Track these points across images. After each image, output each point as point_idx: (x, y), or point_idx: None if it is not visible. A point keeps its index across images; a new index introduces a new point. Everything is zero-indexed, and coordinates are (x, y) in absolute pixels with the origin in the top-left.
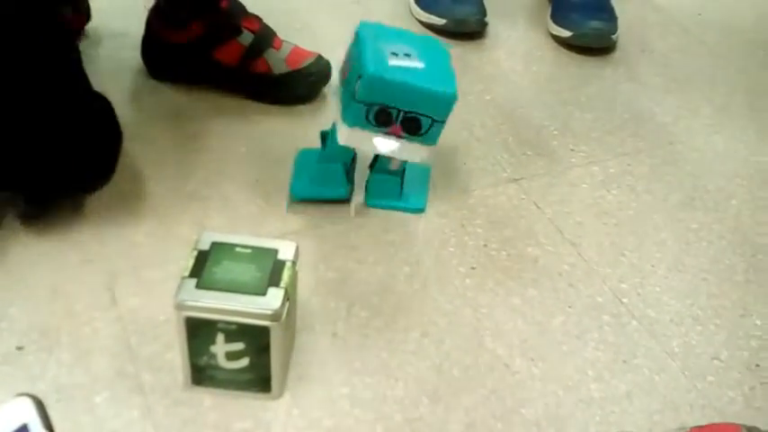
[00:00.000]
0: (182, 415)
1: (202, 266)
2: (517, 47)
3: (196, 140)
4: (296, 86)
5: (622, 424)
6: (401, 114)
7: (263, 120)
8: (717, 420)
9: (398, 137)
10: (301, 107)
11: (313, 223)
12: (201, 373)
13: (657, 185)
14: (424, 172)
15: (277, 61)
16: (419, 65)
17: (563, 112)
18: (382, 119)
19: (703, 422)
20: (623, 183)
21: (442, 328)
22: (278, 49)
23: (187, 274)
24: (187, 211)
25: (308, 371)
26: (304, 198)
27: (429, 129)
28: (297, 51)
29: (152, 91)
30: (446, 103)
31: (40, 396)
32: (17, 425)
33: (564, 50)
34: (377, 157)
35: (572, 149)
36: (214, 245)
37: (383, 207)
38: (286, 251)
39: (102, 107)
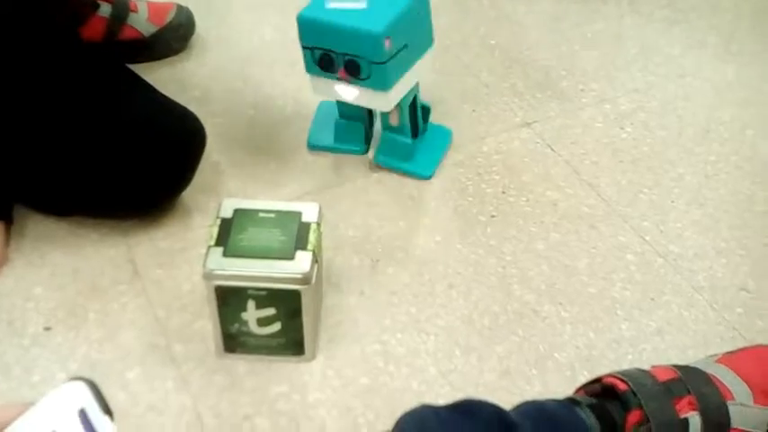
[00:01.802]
0: (218, 383)
1: (227, 234)
2: None
3: (199, 106)
4: (169, 41)
5: (655, 361)
6: (341, 58)
7: (267, 76)
8: None
9: (348, 82)
10: None
11: (330, 182)
12: (234, 341)
13: (671, 120)
14: (444, 139)
15: (142, 23)
16: (361, 5)
17: (570, 51)
18: (326, 63)
19: None
20: (636, 119)
21: (468, 278)
22: (136, 11)
23: (213, 243)
24: (199, 178)
25: (338, 331)
26: (320, 149)
27: (370, 71)
28: (153, 7)
29: None
30: (372, 41)
31: (72, 375)
32: (74, 410)
33: None
34: (382, 116)
35: (582, 89)
36: (237, 212)
37: (389, 167)
38: (310, 213)
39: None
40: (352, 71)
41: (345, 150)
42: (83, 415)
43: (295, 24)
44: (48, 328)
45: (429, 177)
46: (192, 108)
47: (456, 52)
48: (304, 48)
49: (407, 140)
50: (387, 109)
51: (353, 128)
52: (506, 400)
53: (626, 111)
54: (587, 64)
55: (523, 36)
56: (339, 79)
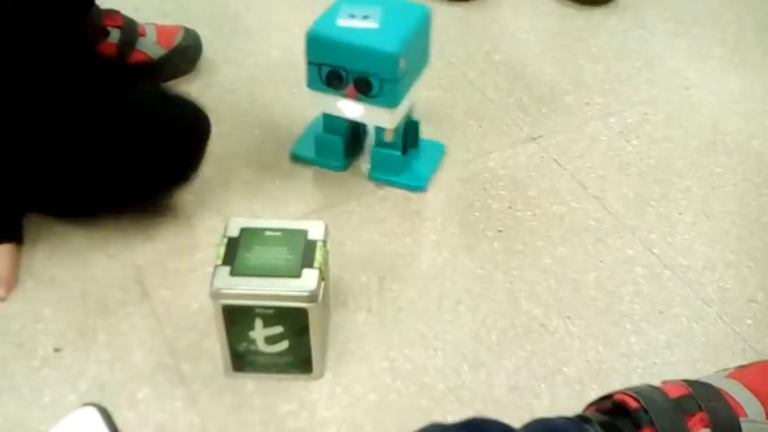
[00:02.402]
0: (226, 402)
1: (234, 253)
2: (521, 4)
3: None
4: (177, 64)
5: (665, 374)
6: (351, 75)
7: (274, 97)
8: None
9: (356, 99)
10: None
11: (336, 200)
12: (242, 359)
13: (676, 132)
14: (437, 152)
15: (150, 47)
16: (372, 25)
17: (574, 65)
18: (334, 80)
19: None
20: (642, 132)
21: (476, 293)
22: (145, 35)
23: (220, 262)
24: (206, 198)
25: (346, 348)
26: (301, 160)
27: (381, 89)
28: (161, 31)
29: None
30: (388, 61)
31: (83, 396)
32: None
33: (568, 3)
34: (376, 132)
35: (587, 103)
36: (243, 231)
37: (385, 181)
38: (316, 231)
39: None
40: (362, 88)
41: (325, 165)
42: None
43: (301, 45)
44: (57, 350)
45: (423, 189)
46: None
47: (461, 69)
48: (310, 63)
49: (397, 153)
50: (391, 126)
51: (334, 143)
52: (515, 415)
53: (631, 124)
54: (592, 78)
55: (528, 51)
56: (345, 96)
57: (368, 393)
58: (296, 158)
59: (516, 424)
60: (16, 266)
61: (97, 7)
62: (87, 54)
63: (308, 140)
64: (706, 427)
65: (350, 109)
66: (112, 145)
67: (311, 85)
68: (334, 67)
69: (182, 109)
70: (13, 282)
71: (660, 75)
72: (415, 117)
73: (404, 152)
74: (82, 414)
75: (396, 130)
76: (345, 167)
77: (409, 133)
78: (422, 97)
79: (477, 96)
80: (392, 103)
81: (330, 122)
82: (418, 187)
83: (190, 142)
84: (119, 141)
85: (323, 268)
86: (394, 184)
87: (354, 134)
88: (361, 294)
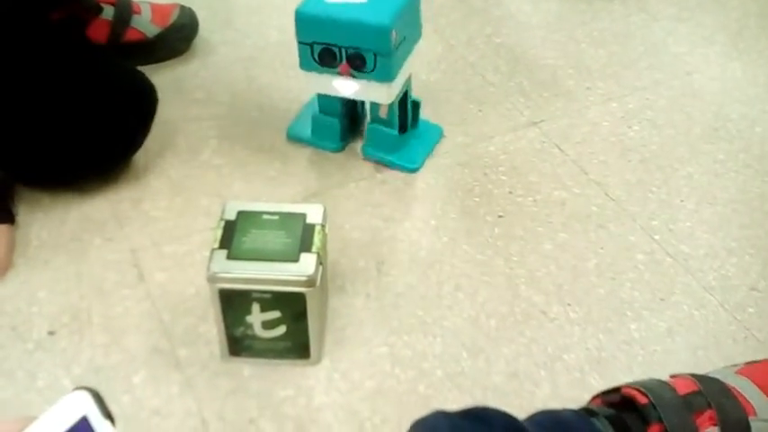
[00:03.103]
0: (223, 387)
1: (231, 237)
2: None
3: (202, 108)
4: (172, 43)
5: (666, 362)
6: (344, 51)
7: (272, 78)
8: (761, 351)
9: (350, 76)
10: None
11: (334, 183)
12: (239, 344)
13: (679, 118)
14: (435, 134)
15: (146, 25)
16: (361, 0)
17: (576, 49)
18: (327, 58)
19: (747, 354)
20: (644, 117)
21: (475, 279)
22: (139, 12)
23: (217, 245)
24: (203, 181)
25: (344, 334)
26: (297, 140)
27: (375, 63)
28: (156, 8)
29: None
30: (379, 34)
31: (77, 379)
32: (76, 418)
33: None
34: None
35: (589, 87)
36: (240, 214)
37: (377, 159)
38: (314, 214)
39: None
40: (357, 64)
41: (321, 146)
42: (84, 421)
43: None
44: (52, 333)
45: (416, 170)
46: (194, 109)
47: (461, 52)
48: (301, 43)
49: (393, 132)
50: (387, 101)
51: (330, 124)
52: (515, 403)
53: (633, 109)
54: (594, 62)
55: (529, 35)
56: (339, 74)
57: (366, 379)
58: (292, 139)
59: (516, 411)
60: (10, 248)
61: None
62: (65, 39)
63: (305, 121)
64: (715, 425)
65: (345, 87)
66: (64, 111)
67: (304, 65)
68: (326, 45)
69: (130, 78)
70: (7, 263)
71: (663, 60)
72: (417, 97)
73: (402, 131)
74: (74, 398)
75: (390, 108)
76: (342, 149)
77: (410, 113)
78: (421, 80)
79: (477, 80)
80: (387, 77)
81: (325, 103)
82: (410, 168)
83: (138, 110)
84: (69, 108)
85: (321, 252)
86: (387, 163)
87: (351, 115)
88: (360, 279)
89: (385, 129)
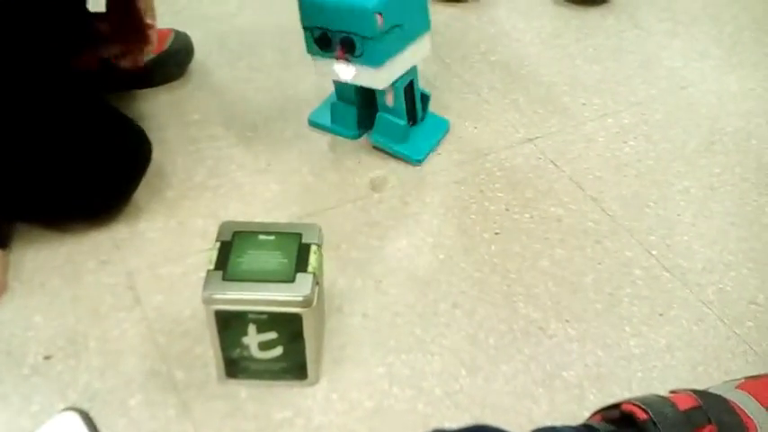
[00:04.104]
0: (219, 409)
1: (227, 258)
2: (517, 4)
3: (198, 130)
4: (168, 68)
5: (665, 378)
6: (336, 36)
7: (267, 99)
8: (760, 366)
9: (346, 60)
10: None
11: (330, 203)
12: (235, 366)
13: (674, 132)
14: (441, 127)
15: None
16: None
17: (571, 66)
18: (324, 42)
19: (746, 368)
20: (639, 133)
21: (473, 297)
22: None
23: (212, 266)
24: (199, 202)
25: (342, 353)
26: (317, 126)
27: (363, 47)
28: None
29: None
30: (363, 16)
31: (73, 404)
32: None
33: (564, 4)
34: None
35: (584, 103)
36: (236, 234)
37: (384, 147)
38: (310, 234)
39: (122, 132)
40: (348, 48)
41: (338, 133)
42: None
43: (296, 44)
44: (48, 357)
45: (420, 162)
46: (190, 131)
47: (456, 70)
48: (304, 28)
49: (401, 122)
50: (380, 87)
51: (347, 111)
52: (514, 420)
53: (629, 124)
54: (589, 78)
55: (524, 52)
56: (337, 59)
57: (364, 399)
58: (312, 125)
59: (515, 429)
60: (4, 272)
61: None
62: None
63: (325, 109)
64: None
65: (343, 71)
66: (59, 160)
67: (309, 50)
68: (322, 30)
69: (127, 133)
70: (2, 287)
71: (657, 75)
72: (426, 90)
73: (413, 122)
74: (63, 419)
75: (396, 96)
76: (359, 137)
77: (418, 103)
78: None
79: (472, 98)
80: (375, 61)
81: (342, 90)
82: (415, 159)
83: (131, 164)
84: (64, 158)
85: (317, 272)
86: (393, 152)
87: (370, 104)
88: (357, 299)
89: (393, 118)
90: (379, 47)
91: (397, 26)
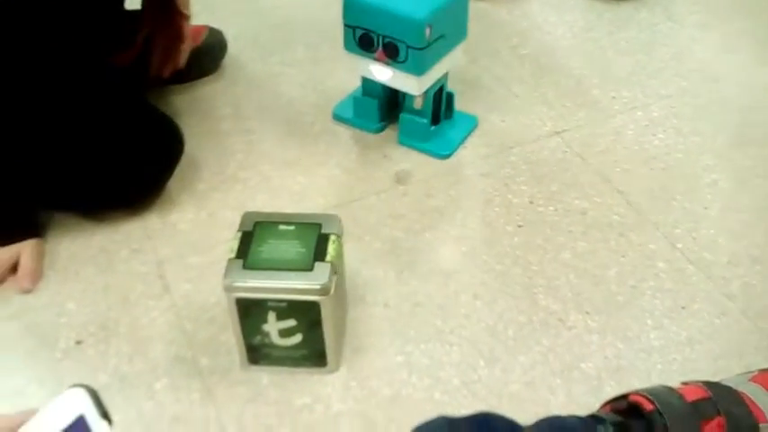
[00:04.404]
0: (242, 395)
1: (248, 247)
2: None
3: (229, 124)
4: (202, 63)
5: (685, 371)
6: (380, 39)
7: (298, 93)
8: None
9: (385, 63)
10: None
11: (356, 195)
12: (257, 353)
13: (704, 125)
14: (468, 124)
15: None
16: None
17: (602, 59)
18: (366, 43)
19: None
20: (669, 126)
21: (494, 288)
22: None
23: (233, 255)
24: (229, 194)
25: (362, 342)
26: (341, 120)
27: (408, 56)
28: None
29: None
30: (412, 27)
31: (102, 387)
32: (73, 417)
33: None
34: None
35: (614, 96)
36: (257, 224)
37: (412, 147)
38: (329, 225)
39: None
40: (391, 53)
41: (362, 126)
42: (81, 420)
43: (326, 40)
44: (79, 342)
45: (447, 157)
46: (222, 125)
47: (486, 64)
48: (346, 26)
49: (425, 121)
50: (417, 93)
51: (370, 105)
52: (531, 410)
53: (658, 117)
54: (619, 71)
55: (555, 46)
56: (376, 60)
57: (383, 387)
58: (336, 119)
59: (531, 420)
60: (39, 261)
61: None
62: (97, 64)
63: (349, 103)
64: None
65: (380, 72)
66: (95, 153)
67: (347, 47)
68: (366, 31)
69: (161, 125)
70: (38, 275)
71: (689, 68)
72: (451, 89)
73: (436, 122)
74: (72, 395)
75: (425, 101)
76: (381, 130)
77: (444, 104)
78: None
79: (501, 92)
80: (418, 70)
81: (368, 86)
82: (442, 155)
83: (164, 157)
84: (101, 150)
85: (336, 261)
86: (421, 150)
87: (393, 100)
88: (379, 289)
89: (416, 118)
90: (424, 57)
91: (441, 37)
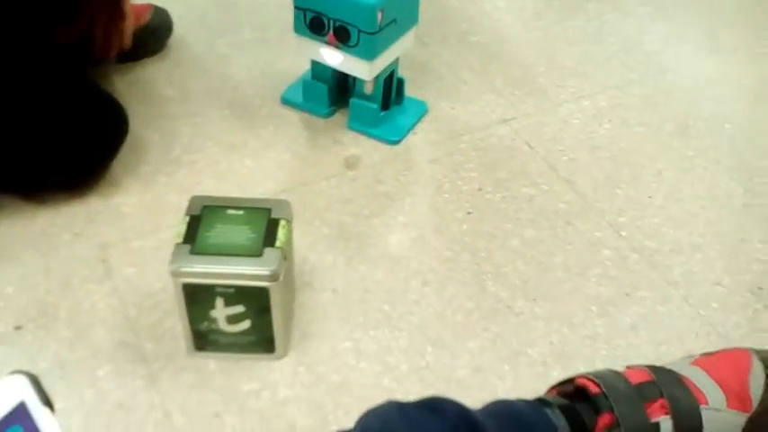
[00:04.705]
0: (187, 381)
1: (195, 232)
2: None
3: (175, 106)
4: (147, 43)
5: (629, 357)
6: (332, 22)
7: (245, 76)
8: (723, 346)
9: (336, 47)
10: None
11: (304, 180)
12: (204, 339)
13: (650, 116)
14: (418, 111)
15: None
16: None
17: (550, 47)
18: (316, 26)
19: (709, 349)
20: (615, 116)
21: (443, 275)
22: None
23: (180, 240)
24: (174, 177)
25: (310, 328)
26: (290, 104)
27: (359, 40)
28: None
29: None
30: (365, 11)
31: (43, 373)
32: (13, 403)
33: None
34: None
35: (560, 86)
36: (205, 209)
37: (361, 132)
38: (279, 210)
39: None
40: (342, 37)
41: (311, 110)
42: (22, 407)
43: (275, 23)
44: (18, 327)
45: (397, 143)
46: (168, 107)
47: (436, 49)
48: (296, 8)
49: (374, 106)
50: (367, 78)
51: (320, 89)
52: (478, 396)
53: (605, 107)
54: (567, 60)
55: (504, 33)
56: (327, 43)
57: (330, 373)
58: (285, 102)
59: (478, 405)
60: None
61: None
62: (40, 41)
63: (299, 87)
64: (666, 413)
65: (330, 56)
66: (36, 131)
67: (297, 29)
68: (316, 14)
69: (105, 106)
70: None
71: (636, 59)
72: (401, 75)
73: (387, 108)
74: (11, 382)
75: (376, 86)
76: (330, 115)
77: (393, 90)
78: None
79: (451, 79)
80: (368, 55)
81: (317, 69)
82: (391, 141)
83: (106, 139)
84: (41, 129)
85: (285, 247)
86: (370, 136)
87: (342, 84)
88: (327, 275)
89: (366, 103)
90: (375, 41)
91: (393, 21)
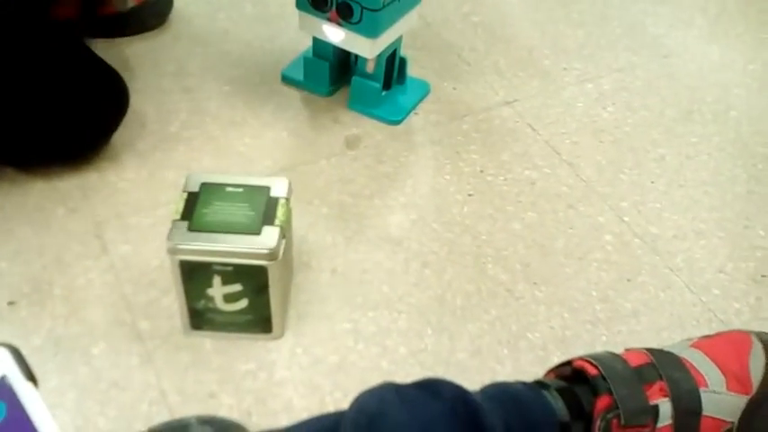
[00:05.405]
0: (183, 360)
1: (193, 208)
2: None
3: (173, 81)
4: (146, 17)
5: (630, 343)
6: None
7: (245, 52)
8: None
9: (338, 24)
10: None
11: (304, 159)
12: (200, 317)
13: (654, 100)
14: (421, 91)
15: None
16: None
17: (554, 30)
18: (319, 1)
19: None
20: (619, 99)
21: (443, 257)
22: None
23: (178, 217)
24: (171, 154)
25: (308, 309)
26: (290, 82)
27: (362, 17)
28: None
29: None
30: None
31: (36, 350)
32: None
33: None
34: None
35: (565, 68)
36: (204, 186)
37: (362, 111)
38: (278, 188)
39: (102, 76)
40: (344, 14)
41: (311, 89)
42: (4, 381)
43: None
44: (12, 303)
45: (398, 123)
46: (166, 82)
47: (438, 30)
48: None
49: (377, 85)
50: (369, 56)
51: (321, 67)
52: (476, 379)
53: (608, 90)
54: (571, 43)
55: (508, 14)
56: (329, 20)
57: (328, 355)
58: (285, 80)
59: (476, 388)
60: None
61: None
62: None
63: (300, 65)
64: (665, 396)
65: (332, 33)
66: (38, 103)
67: (299, 5)
68: None
69: (107, 78)
70: None
71: (640, 42)
72: (404, 54)
73: (388, 87)
74: None
75: (378, 64)
76: (331, 93)
77: (396, 69)
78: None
79: (453, 58)
80: (372, 32)
81: (319, 47)
82: (393, 121)
83: (109, 110)
84: (43, 101)
85: (284, 226)
86: (371, 116)
87: (344, 63)
88: (326, 255)
89: (368, 82)
90: (379, 19)
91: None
